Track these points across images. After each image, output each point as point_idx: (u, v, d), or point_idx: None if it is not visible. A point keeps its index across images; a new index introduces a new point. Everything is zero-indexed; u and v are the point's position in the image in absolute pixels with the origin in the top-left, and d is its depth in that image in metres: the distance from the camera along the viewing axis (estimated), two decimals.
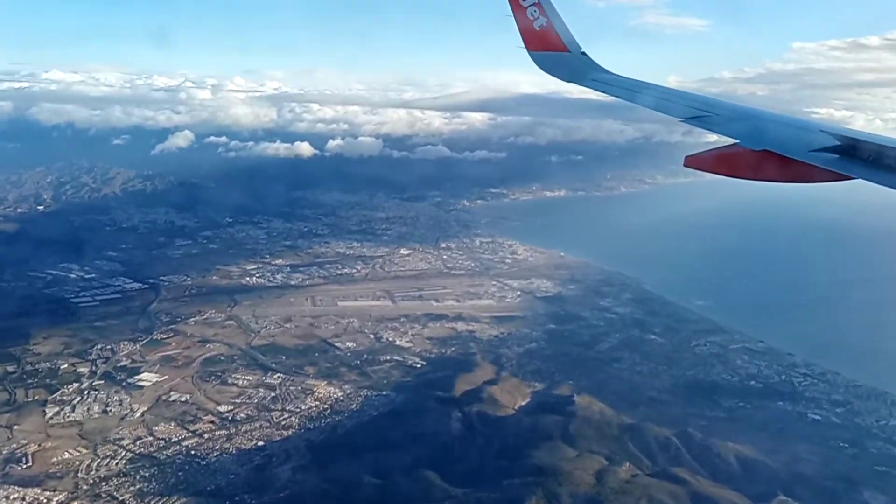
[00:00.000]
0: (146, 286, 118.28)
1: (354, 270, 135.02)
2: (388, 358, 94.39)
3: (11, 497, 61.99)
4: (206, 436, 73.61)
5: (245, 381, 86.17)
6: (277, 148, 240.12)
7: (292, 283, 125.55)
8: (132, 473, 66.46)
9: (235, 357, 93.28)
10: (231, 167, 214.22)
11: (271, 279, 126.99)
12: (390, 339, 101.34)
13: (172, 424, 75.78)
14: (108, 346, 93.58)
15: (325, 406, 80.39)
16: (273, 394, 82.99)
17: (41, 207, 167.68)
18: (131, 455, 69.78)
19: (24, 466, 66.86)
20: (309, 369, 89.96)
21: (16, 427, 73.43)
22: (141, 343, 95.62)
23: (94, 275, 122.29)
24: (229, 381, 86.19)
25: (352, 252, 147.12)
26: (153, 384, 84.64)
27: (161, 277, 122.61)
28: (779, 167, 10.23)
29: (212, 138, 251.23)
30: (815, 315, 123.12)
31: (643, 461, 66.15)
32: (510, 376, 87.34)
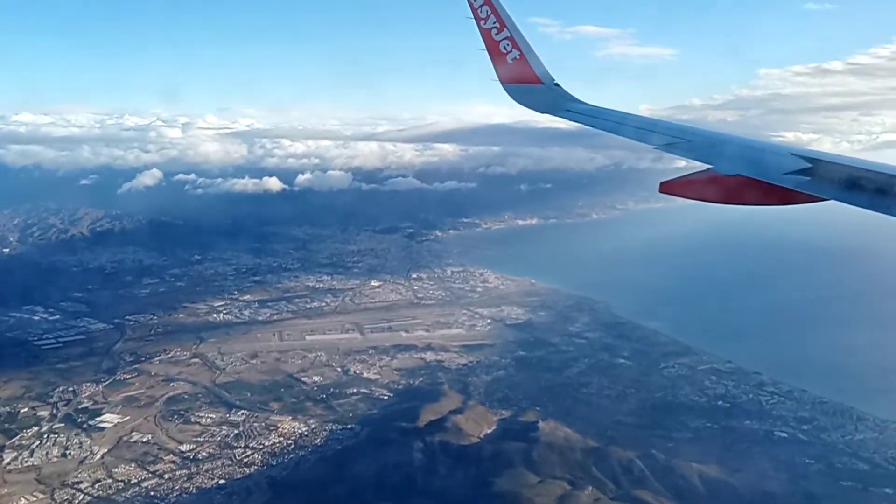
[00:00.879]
0: (111, 326, 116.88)
1: (324, 304, 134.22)
2: (355, 391, 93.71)
3: None
4: (166, 476, 72.54)
5: (208, 419, 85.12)
6: (246, 184, 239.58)
7: (260, 318, 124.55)
8: None
9: (199, 395, 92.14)
10: (200, 204, 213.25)
11: (239, 315, 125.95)
12: (358, 371, 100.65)
13: (133, 466, 74.63)
14: (70, 389, 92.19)
15: (289, 442, 79.52)
16: (236, 431, 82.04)
17: (6, 250, 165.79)
18: (89, 499, 68.70)
19: None
20: (274, 405, 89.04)
21: None
22: (104, 384, 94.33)
23: (58, 316, 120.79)
24: (192, 420, 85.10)
25: (321, 285, 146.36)
26: (115, 425, 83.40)
27: (127, 317, 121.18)
28: (752, 191, 10.43)
29: (180, 176, 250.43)
30: (784, 334, 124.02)
31: (607, 485, 65.86)
32: (477, 405, 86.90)
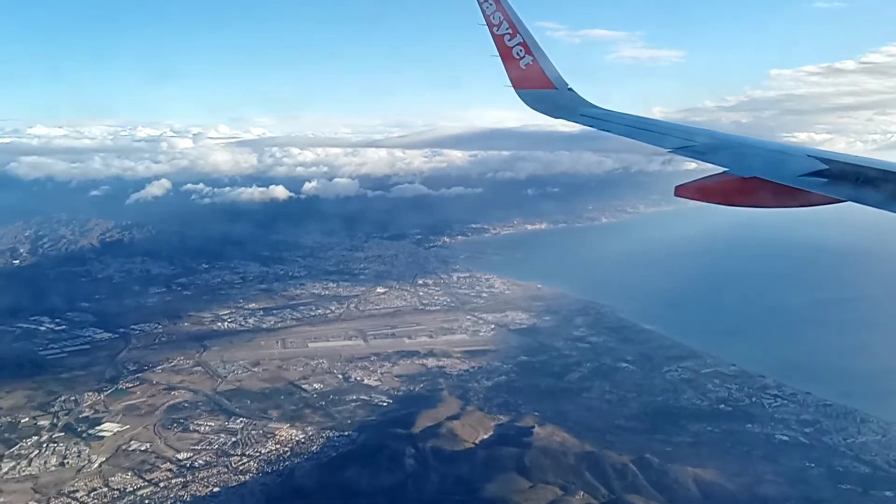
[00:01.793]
0: (116, 336, 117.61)
1: (328, 311, 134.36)
2: (355, 398, 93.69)
3: None
4: (161, 484, 72.78)
5: (207, 427, 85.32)
6: (252, 192, 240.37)
7: (264, 326, 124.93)
8: None
9: (200, 403, 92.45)
10: (208, 213, 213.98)
11: (243, 323, 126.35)
12: (358, 378, 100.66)
13: (129, 474, 74.87)
14: (72, 398, 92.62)
15: (286, 449, 79.54)
16: (234, 439, 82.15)
17: (16, 262, 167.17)
18: None
19: None
20: (273, 412, 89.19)
21: None
22: (106, 393, 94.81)
23: (64, 326, 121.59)
24: (191, 428, 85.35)
25: (327, 293, 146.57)
26: (114, 434, 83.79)
27: (132, 326, 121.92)
28: (768, 193, 10.46)
29: (188, 186, 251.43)
30: (790, 336, 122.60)
31: (599, 490, 65.34)
32: (475, 410, 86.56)
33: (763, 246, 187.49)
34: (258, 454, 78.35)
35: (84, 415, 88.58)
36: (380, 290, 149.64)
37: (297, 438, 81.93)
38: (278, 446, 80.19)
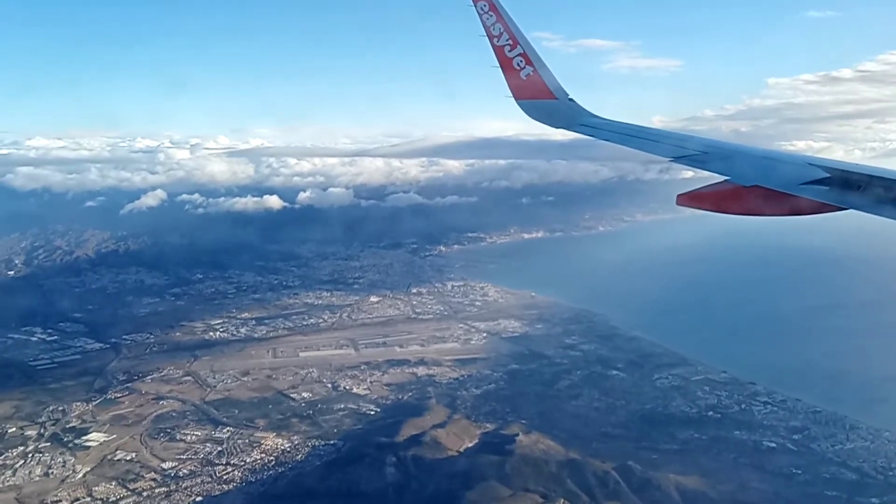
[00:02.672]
0: (107, 346, 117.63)
1: (321, 320, 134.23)
2: (342, 406, 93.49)
3: None
4: (144, 494, 72.71)
5: (193, 437, 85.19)
6: (247, 202, 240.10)
7: (256, 335, 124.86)
8: None
9: (188, 413, 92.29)
10: (203, 224, 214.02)
11: (235, 333, 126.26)
12: (347, 387, 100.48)
13: (113, 484, 74.76)
14: (60, 408, 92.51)
15: (271, 458, 79.41)
16: (220, 448, 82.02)
17: (11, 273, 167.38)
18: None
19: None
20: (260, 422, 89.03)
21: None
22: (94, 403, 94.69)
23: (55, 337, 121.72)
24: (178, 438, 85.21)
25: (320, 302, 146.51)
26: (100, 444, 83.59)
27: (124, 336, 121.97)
28: (770, 202, 10.48)
29: (183, 196, 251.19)
30: (782, 343, 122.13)
31: (580, 497, 65.04)
32: (462, 418, 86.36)
33: (761, 254, 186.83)
34: (243, 463, 78.23)
35: (71, 425, 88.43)
36: (373, 299, 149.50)
37: (282, 447, 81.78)
38: (263, 455, 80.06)
